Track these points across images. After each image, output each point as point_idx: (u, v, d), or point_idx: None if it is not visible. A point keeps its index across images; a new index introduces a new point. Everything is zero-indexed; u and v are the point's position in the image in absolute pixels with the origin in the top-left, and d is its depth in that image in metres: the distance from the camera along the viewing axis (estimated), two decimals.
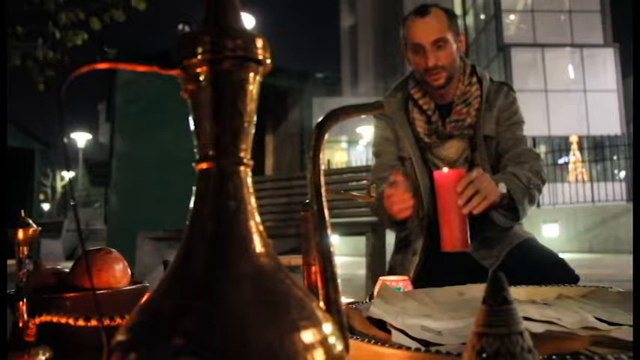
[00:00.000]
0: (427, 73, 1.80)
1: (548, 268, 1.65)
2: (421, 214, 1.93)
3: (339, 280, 0.49)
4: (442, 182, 1.45)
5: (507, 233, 1.80)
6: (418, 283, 1.37)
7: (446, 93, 1.85)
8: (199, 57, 0.46)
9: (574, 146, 18.34)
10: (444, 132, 1.84)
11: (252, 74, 0.47)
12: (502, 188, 1.58)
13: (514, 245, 1.76)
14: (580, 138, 18.50)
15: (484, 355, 0.41)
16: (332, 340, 0.44)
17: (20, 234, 0.58)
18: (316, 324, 0.43)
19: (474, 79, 1.87)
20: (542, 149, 17.69)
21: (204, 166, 0.47)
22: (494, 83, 1.90)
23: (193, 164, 0.48)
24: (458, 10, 24.92)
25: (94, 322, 0.55)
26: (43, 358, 0.57)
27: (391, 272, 1.91)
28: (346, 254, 9.89)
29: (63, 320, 0.56)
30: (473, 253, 1.75)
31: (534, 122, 18.32)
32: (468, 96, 1.84)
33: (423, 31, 1.77)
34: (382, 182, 1.89)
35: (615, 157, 14.85)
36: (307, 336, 0.41)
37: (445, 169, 1.49)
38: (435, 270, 1.71)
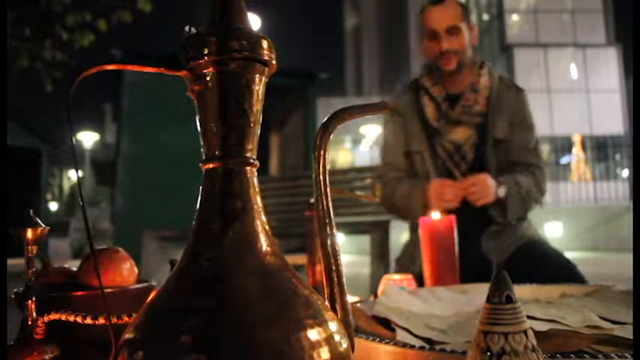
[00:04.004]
0: (440, 58, 1.88)
1: (555, 269, 1.65)
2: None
3: (344, 279, 0.49)
4: (431, 231, 1.28)
5: (517, 228, 1.83)
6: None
7: (457, 80, 1.92)
8: (205, 58, 0.46)
9: (577, 145, 18.26)
10: (452, 116, 1.90)
11: (257, 75, 0.48)
12: (500, 192, 1.73)
13: (523, 243, 1.78)
14: (583, 137, 18.42)
15: (488, 353, 0.41)
16: (337, 338, 0.44)
17: (29, 233, 0.58)
18: (322, 322, 0.43)
19: (484, 71, 1.94)
20: (545, 149, 17.60)
21: (210, 165, 0.47)
22: (505, 80, 1.98)
23: (200, 164, 0.48)
24: None
25: (101, 321, 0.55)
26: (52, 355, 0.58)
27: (397, 262, 1.95)
28: (351, 253, 9.91)
29: (71, 318, 0.57)
30: (481, 244, 1.78)
31: (537, 122, 18.15)
32: (476, 84, 1.91)
33: (438, 18, 1.89)
34: (388, 182, 1.94)
35: (618, 157, 14.81)
36: (313, 334, 0.42)
37: (434, 214, 1.32)
38: None
